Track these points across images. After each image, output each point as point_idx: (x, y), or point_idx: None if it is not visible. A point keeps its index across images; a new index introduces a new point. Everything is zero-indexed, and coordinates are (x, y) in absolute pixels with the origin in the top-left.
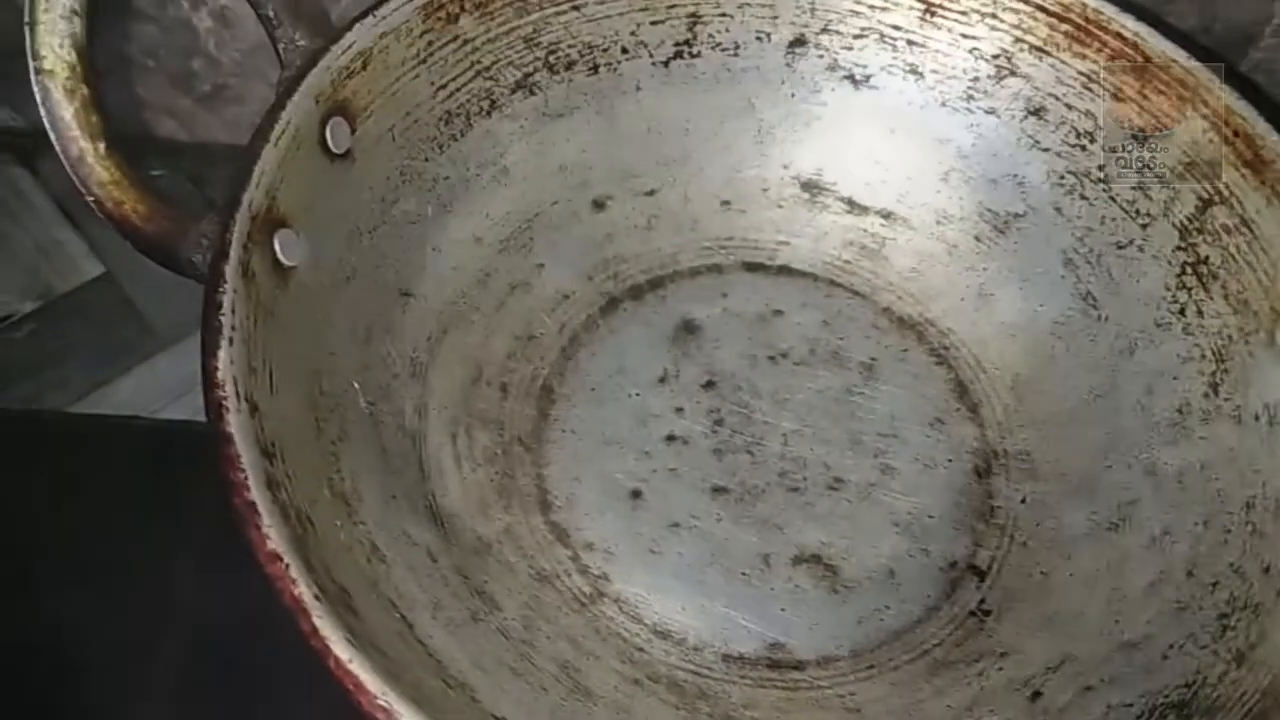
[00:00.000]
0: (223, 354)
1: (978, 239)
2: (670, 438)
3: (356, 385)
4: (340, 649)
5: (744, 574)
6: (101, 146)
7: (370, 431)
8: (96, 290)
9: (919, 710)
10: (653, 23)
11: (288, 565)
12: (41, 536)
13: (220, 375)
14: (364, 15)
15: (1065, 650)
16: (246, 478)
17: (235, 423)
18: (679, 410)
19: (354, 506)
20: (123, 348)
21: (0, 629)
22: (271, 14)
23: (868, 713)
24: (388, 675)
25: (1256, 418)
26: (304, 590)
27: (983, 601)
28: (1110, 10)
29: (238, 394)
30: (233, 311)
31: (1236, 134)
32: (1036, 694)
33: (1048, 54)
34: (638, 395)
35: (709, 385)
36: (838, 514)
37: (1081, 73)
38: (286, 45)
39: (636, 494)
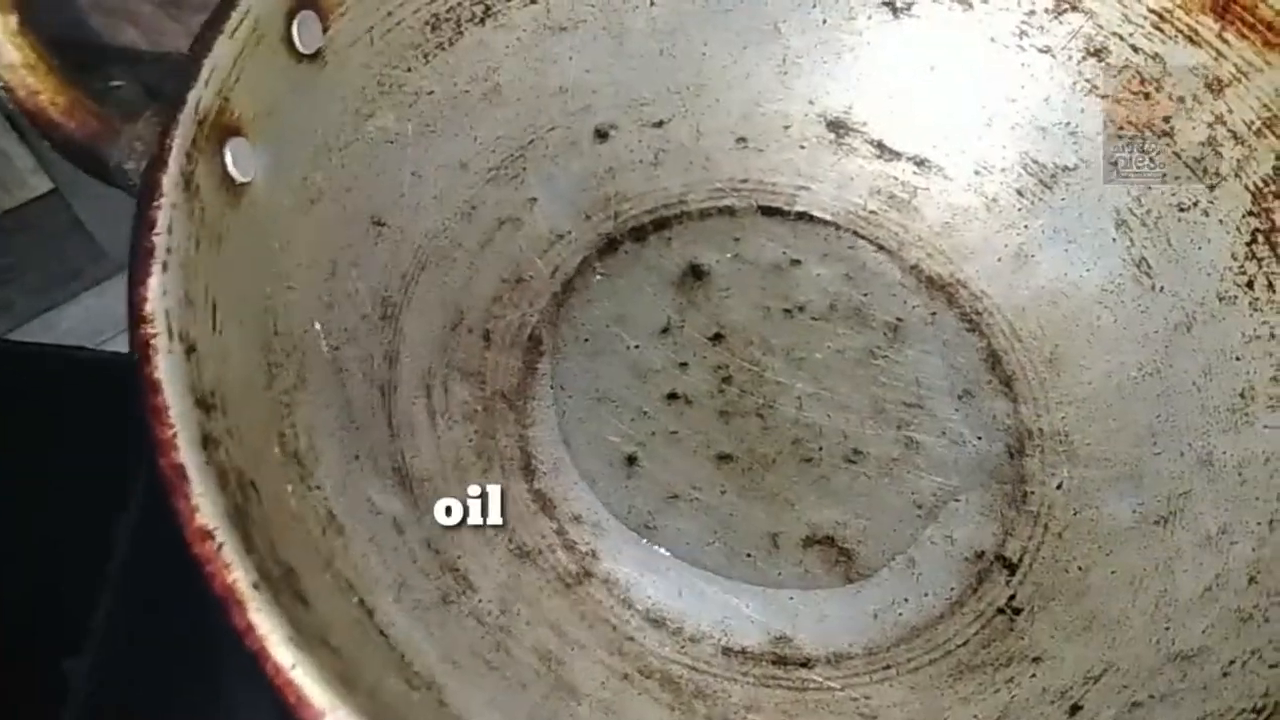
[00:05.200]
0: (154, 282)
1: (1020, 193)
2: (672, 396)
3: (318, 326)
4: (280, 652)
5: (749, 555)
6: (13, 20)
7: (332, 380)
8: (43, 208)
9: (942, 718)
10: None
11: (220, 546)
12: None
13: (150, 308)
14: None
15: (1107, 658)
16: (175, 435)
17: (165, 367)
18: (682, 365)
19: (308, 468)
20: (70, 272)
21: None
22: None
23: (885, 719)
24: (339, 682)
25: None
26: (239, 577)
27: (1012, 598)
28: None
29: (170, 331)
30: (169, 231)
31: None
32: (1075, 707)
33: None
34: (636, 347)
35: (716, 338)
36: (855, 490)
37: (1152, 10)
38: None
39: (632, 459)
